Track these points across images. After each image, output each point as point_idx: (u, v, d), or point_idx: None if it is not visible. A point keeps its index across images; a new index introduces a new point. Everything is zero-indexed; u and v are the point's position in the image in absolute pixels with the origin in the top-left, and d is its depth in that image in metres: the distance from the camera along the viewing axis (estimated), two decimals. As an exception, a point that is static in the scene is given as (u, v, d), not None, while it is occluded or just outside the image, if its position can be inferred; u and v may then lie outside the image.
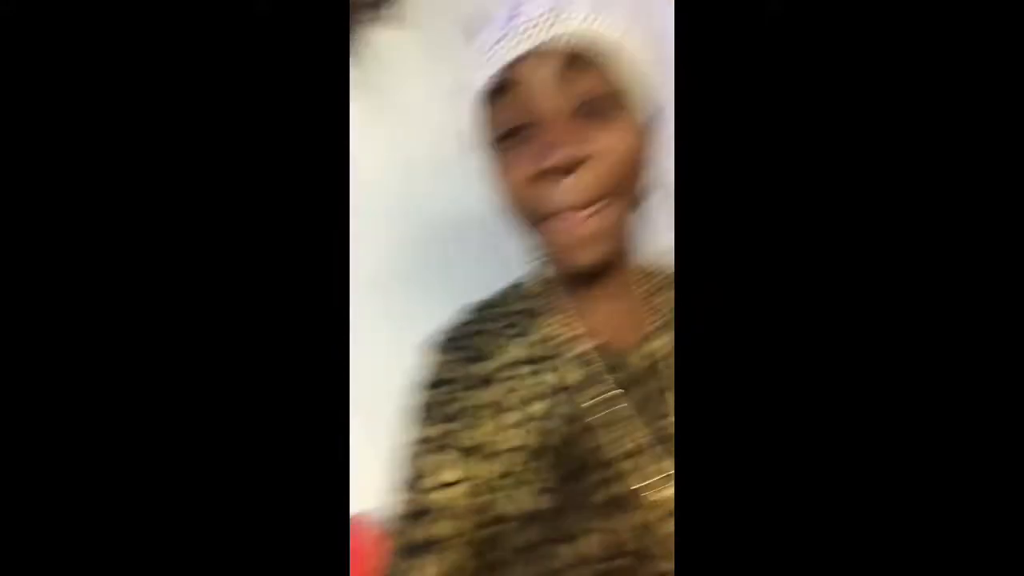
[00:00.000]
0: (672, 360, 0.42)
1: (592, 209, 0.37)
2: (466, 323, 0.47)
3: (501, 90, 0.37)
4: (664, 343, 0.43)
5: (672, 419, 0.41)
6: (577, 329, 0.43)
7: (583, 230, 0.37)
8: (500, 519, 0.39)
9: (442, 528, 0.38)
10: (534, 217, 0.38)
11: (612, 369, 0.42)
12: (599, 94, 0.37)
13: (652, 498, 0.38)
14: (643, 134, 0.39)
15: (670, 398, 0.41)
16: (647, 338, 0.44)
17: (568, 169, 0.36)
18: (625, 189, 0.38)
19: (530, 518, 0.38)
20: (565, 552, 0.37)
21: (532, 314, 0.46)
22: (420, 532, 0.39)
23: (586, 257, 0.38)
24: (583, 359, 0.42)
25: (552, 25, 0.36)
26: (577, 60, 0.36)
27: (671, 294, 0.46)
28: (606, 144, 0.37)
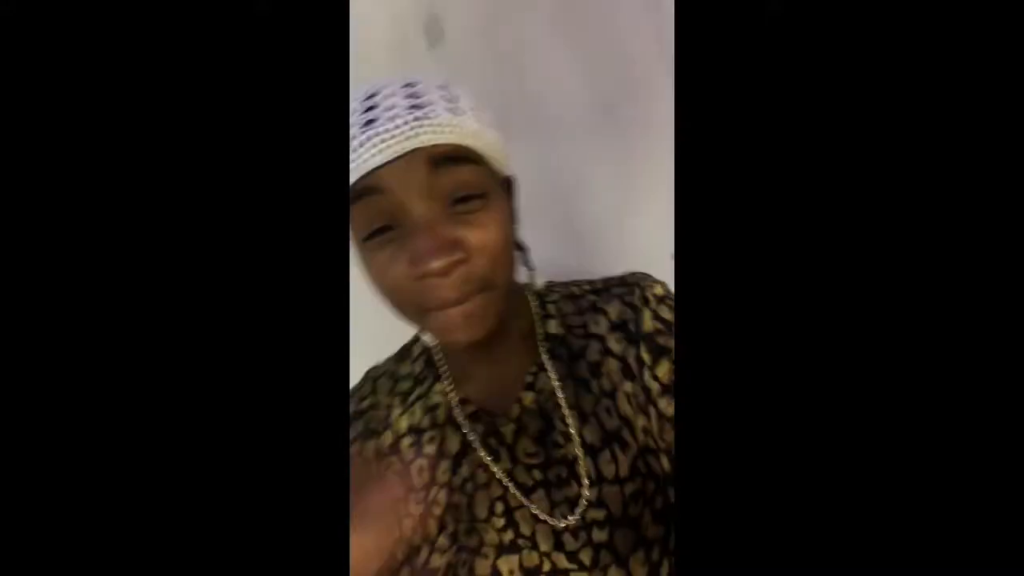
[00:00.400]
0: (552, 391, 0.45)
1: (467, 301, 0.38)
2: (363, 396, 0.51)
3: (365, 193, 0.37)
4: (544, 382, 0.45)
5: (566, 449, 0.43)
6: (454, 399, 0.47)
7: (458, 317, 0.38)
8: None
9: None
10: (414, 309, 0.39)
11: (489, 432, 0.45)
12: (468, 189, 0.37)
13: (561, 525, 0.42)
14: (509, 219, 0.40)
15: (561, 427, 0.44)
16: (527, 386, 0.45)
17: (443, 273, 0.36)
18: (498, 275, 0.39)
19: None
20: None
21: (417, 382, 0.50)
22: None
23: (464, 338, 0.39)
24: (461, 428, 0.46)
25: (414, 132, 0.36)
26: (443, 160, 0.36)
27: (569, 307, 0.48)
28: (478, 241, 0.37)
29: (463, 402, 0.47)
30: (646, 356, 0.43)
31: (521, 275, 0.47)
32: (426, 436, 0.47)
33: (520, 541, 0.42)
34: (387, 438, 0.48)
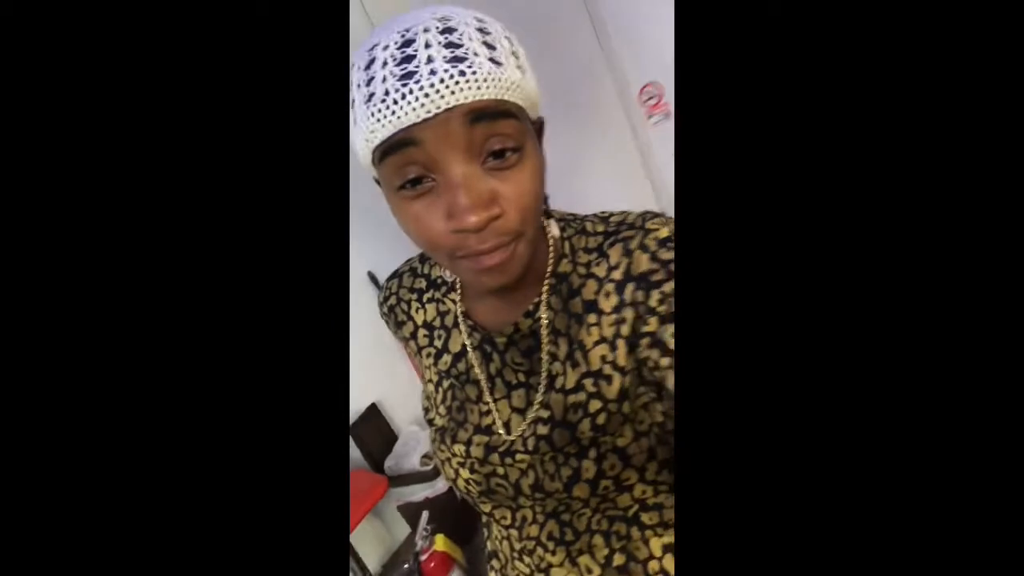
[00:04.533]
0: (547, 323, 0.48)
1: (499, 251, 0.39)
2: (391, 291, 0.59)
3: (401, 145, 0.36)
4: (543, 312, 0.48)
5: (551, 367, 0.48)
6: (461, 309, 0.53)
7: (489, 265, 0.40)
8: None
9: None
10: (446, 255, 0.41)
11: (485, 340, 0.51)
12: (503, 144, 0.37)
13: (512, 435, 0.49)
14: (541, 167, 0.41)
15: (549, 349, 0.48)
16: (527, 314, 0.49)
17: (480, 229, 0.38)
18: (528, 225, 0.40)
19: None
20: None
21: (432, 285, 0.56)
22: None
23: (493, 283, 0.41)
24: (466, 331, 0.52)
25: (457, 87, 0.35)
26: (482, 116, 0.36)
27: (580, 243, 0.50)
28: (513, 195, 0.38)
29: (467, 315, 0.52)
30: (631, 294, 0.45)
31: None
32: (436, 333, 0.55)
33: (494, 426, 0.50)
34: (409, 327, 0.57)
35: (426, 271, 0.57)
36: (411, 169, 0.37)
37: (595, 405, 0.45)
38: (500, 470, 0.49)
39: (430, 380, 0.55)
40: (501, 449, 0.49)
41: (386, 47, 0.36)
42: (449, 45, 0.36)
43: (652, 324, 0.43)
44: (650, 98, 1.33)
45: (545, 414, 0.47)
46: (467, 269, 0.41)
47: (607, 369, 0.45)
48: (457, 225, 0.37)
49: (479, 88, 0.35)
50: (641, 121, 1.39)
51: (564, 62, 1.39)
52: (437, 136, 0.36)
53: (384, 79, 0.35)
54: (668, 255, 0.43)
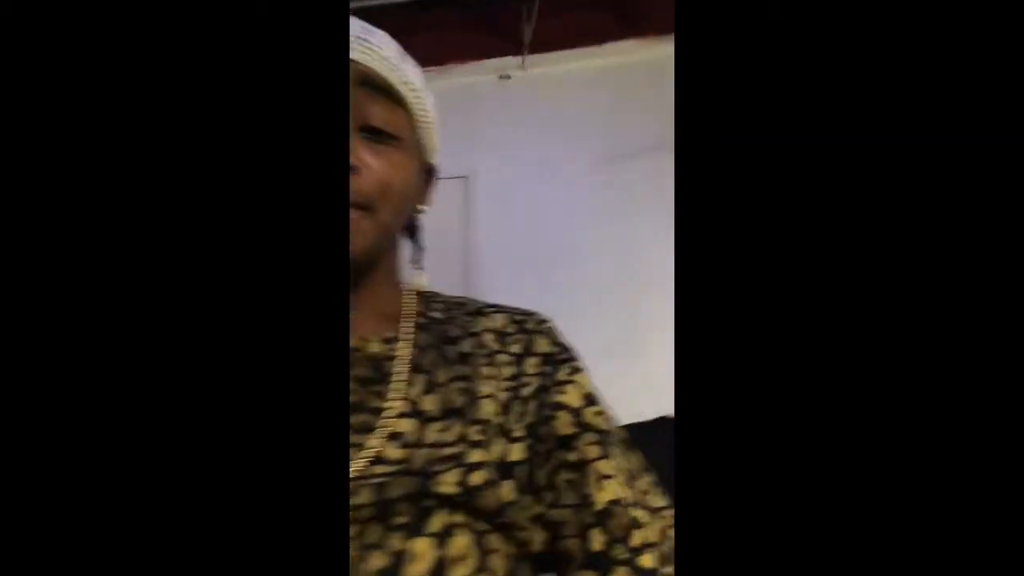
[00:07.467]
0: (404, 358, 0.44)
1: (356, 213, 0.40)
2: None
3: None
4: (402, 345, 0.45)
5: (394, 403, 0.42)
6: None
7: (352, 226, 0.40)
8: None
9: None
10: None
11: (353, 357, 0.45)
12: (380, 124, 0.41)
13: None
14: (413, 177, 0.45)
15: (397, 381, 0.43)
16: (385, 340, 0.45)
17: None
18: (382, 206, 0.42)
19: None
20: None
21: None
22: None
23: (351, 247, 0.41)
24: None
25: (355, 49, 0.40)
26: (367, 86, 0.41)
27: (455, 307, 0.50)
28: (377, 166, 0.41)
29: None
30: (536, 367, 0.45)
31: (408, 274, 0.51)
32: None
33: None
34: None
35: None
36: None
37: (476, 455, 0.39)
38: None
39: None
40: None
41: None
42: (367, 30, 0.43)
43: (569, 395, 0.44)
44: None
45: (390, 468, 0.38)
46: None
47: (482, 437, 0.41)
48: None
49: (373, 63, 0.41)
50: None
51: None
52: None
53: None
54: (565, 341, 0.48)
